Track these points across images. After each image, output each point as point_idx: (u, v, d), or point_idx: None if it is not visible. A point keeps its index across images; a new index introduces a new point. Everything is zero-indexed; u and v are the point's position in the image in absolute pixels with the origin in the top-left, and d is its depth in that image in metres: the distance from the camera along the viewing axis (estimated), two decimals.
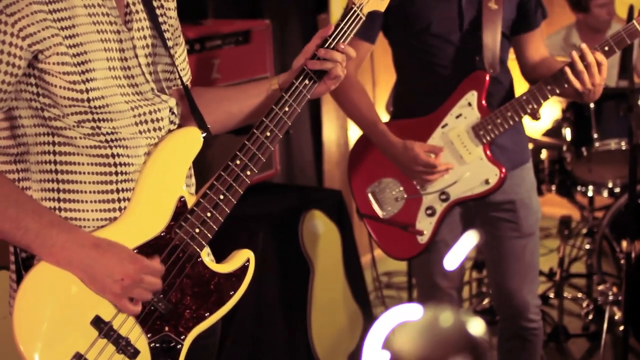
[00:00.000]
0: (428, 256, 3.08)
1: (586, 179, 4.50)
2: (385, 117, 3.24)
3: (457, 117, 2.98)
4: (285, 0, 4.19)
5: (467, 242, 3.09)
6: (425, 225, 3.01)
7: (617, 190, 4.46)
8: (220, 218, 1.93)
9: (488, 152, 2.97)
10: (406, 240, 3.04)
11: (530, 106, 2.92)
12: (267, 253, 3.18)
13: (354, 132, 4.89)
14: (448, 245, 3.10)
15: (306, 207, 3.42)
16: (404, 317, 1.34)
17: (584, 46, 2.83)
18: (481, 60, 2.97)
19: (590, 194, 4.57)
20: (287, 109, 2.00)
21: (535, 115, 3.01)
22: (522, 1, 3.04)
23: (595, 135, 4.25)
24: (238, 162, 1.96)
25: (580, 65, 2.80)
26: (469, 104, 2.96)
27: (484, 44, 2.95)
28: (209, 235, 1.92)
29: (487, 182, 2.98)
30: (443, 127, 2.99)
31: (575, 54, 2.81)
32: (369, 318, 3.68)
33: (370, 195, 3.09)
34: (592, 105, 4.27)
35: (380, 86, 5.01)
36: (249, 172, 1.97)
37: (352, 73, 2.99)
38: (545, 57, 3.13)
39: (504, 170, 2.97)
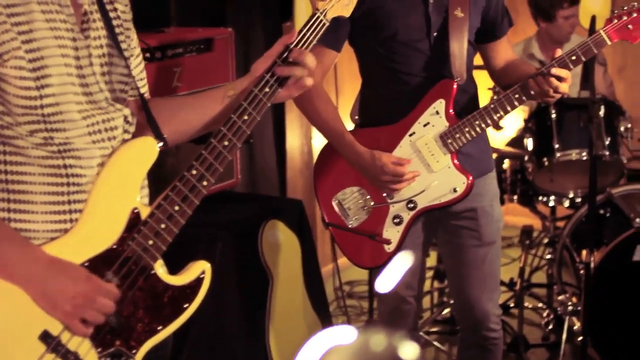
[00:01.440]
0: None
1: (547, 189, 4.53)
2: (349, 125, 3.23)
3: (425, 125, 2.98)
4: (250, 8, 4.17)
5: (401, 264, 3.09)
6: (392, 234, 3.00)
7: (578, 200, 4.50)
8: (175, 229, 1.90)
9: (455, 161, 2.97)
10: (373, 249, 3.04)
11: (497, 114, 2.93)
12: (226, 263, 3.16)
13: (318, 140, 4.88)
14: (411, 254, 3.11)
15: (266, 216, 3.40)
16: (336, 340, 1.33)
17: (559, 52, 2.87)
18: (448, 69, 2.97)
19: (551, 204, 4.61)
20: (246, 117, 1.97)
21: (497, 125, 3.03)
22: (488, 11, 3.06)
23: (557, 146, 4.28)
24: (194, 172, 1.93)
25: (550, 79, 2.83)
26: (437, 112, 2.96)
27: (451, 52, 2.95)
28: (163, 247, 1.89)
29: (454, 190, 2.98)
30: (411, 135, 2.98)
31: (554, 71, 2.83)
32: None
33: (336, 204, 3.08)
34: (553, 115, 4.30)
35: (344, 94, 5.00)
36: (205, 183, 1.94)
37: (318, 81, 2.97)
38: (512, 62, 3.16)
39: (471, 178, 2.97)
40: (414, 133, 2.98)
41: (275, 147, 4.47)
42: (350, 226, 3.05)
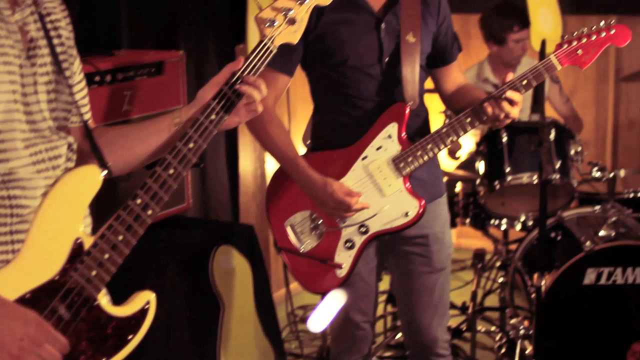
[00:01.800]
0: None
1: (499, 212, 4.55)
2: (302, 149, 3.22)
3: (378, 149, 2.98)
4: (202, 30, 4.15)
5: (334, 303, 3.09)
6: (344, 258, 2.99)
7: (530, 223, 4.52)
8: (119, 260, 1.87)
9: (408, 185, 2.98)
10: (325, 274, 3.02)
11: (450, 139, 2.94)
12: (176, 289, 3.13)
13: (271, 164, 4.86)
14: (363, 279, 3.10)
15: (217, 242, 3.37)
16: None
17: (510, 76, 2.89)
18: (401, 93, 2.98)
19: (503, 227, 4.62)
20: (192, 145, 1.96)
21: (454, 155, 3.04)
22: (438, 37, 3.08)
23: (508, 169, 4.30)
24: (139, 201, 1.90)
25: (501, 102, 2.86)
26: (390, 136, 2.97)
27: (403, 77, 2.97)
28: (107, 277, 1.86)
29: (406, 214, 2.98)
30: (363, 159, 2.98)
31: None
32: (280, 354, 3.65)
33: (288, 229, 3.06)
34: (504, 139, 4.33)
35: (296, 117, 5.00)
36: (150, 212, 1.91)
37: (270, 106, 2.97)
38: (462, 86, 3.18)
39: (423, 202, 2.98)
40: (366, 157, 2.98)
41: (228, 171, 4.44)
42: (302, 250, 3.04)
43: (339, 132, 3.04)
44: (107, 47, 3.35)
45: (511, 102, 2.85)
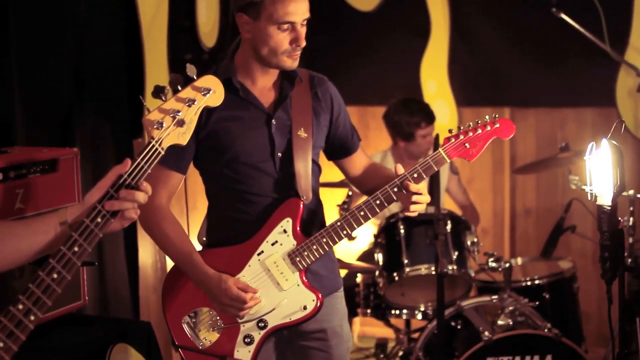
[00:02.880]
0: None
1: (399, 303, 4.59)
2: (198, 246, 3.21)
3: (273, 244, 2.99)
4: (99, 125, 4.14)
5: None
6: (243, 354, 2.98)
7: (430, 313, 4.56)
8: None
9: (304, 278, 2.99)
10: None
11: (344, 232, 2.97)
12: None
13: None
14: None
15: (113, 340, 3.31)
16: None
17: (400, 170, 2.96)
18: (294, 188, 3.01)
19: (404, 317, 4.65)
20: (76, 249, 1.94)
21: (350, 236, 3.06)
22: (336, 132, 3.14)
23: (406, 261, 4.36)
24: (21, 306, 1.87)
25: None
26: (285, 231, 2.99)
27: (296, 172, 3.00)
28: None
29: (304, 308, 2.99)
30: (259, 254, 2.99)
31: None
32: None
33: (185, 326, 3.03)
34: (402, 231, 4.39)
35: (196, 210, 4.96)
36: (32, 317, 1.88)
37: (164, 204, 2.99)
38: (369, 167, 3.24)
39: (320, 295, 2.99)
40: (262, 252, 2.99)
41: (127, 265, 4.38)
42: (200, 347, 3.01)
43: (235, 229, 3.05)
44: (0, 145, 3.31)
45: (413, 193, 2.93)
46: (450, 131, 3.05)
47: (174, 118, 2.12)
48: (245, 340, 2.99)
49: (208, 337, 3.02)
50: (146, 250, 4.72)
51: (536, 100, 5.64)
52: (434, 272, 4.22)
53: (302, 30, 2.93)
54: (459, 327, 4.33)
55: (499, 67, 5.73)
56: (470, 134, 3.03)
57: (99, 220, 1.98)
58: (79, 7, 3.94)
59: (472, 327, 4.17)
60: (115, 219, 2.01)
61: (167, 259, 4.84)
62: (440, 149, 3.01)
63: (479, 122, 3.05)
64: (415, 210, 2.98)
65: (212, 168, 3.05)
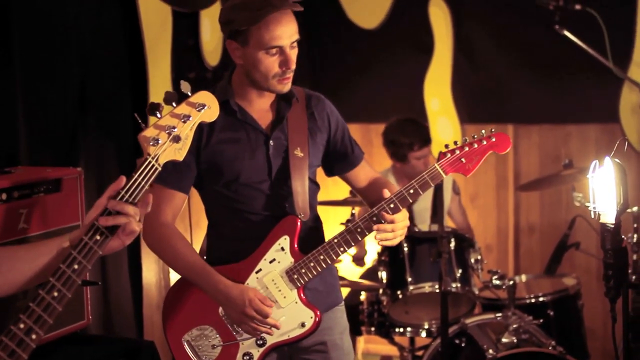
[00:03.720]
0: None
1: (403, 321, 4.58)
2: None
3: (271, 262, 3.01)
4: (102, 145, 4.15)
5: None
6: None
7: (434, 330, 4.55)
8: None
9: (302, 296, 3.00)
10: None
11: (341, 249, 2.99)
12: None
13: (175, 274, 4.81)
14: None
15: (117, 359, 3.31)
16: None
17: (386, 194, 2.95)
18: (292, 206, 3.03)
19: (408, 335, 4.64)
20: (76, 267, 1.94)
21: (360, 261, 3.07)
22: (335, 147, 3.17)
23: (410, 279, 4.35)
24: (22, 325, 1.87)
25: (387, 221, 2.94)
26: (282, 249, 3.00)
27: (293, 190, 3.03)
28: None
29: (303, 325, 3.00)
30: (257, 272, 3.01)
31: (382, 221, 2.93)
32: None
33: (186, 344, 3.04)
34: (405, 249, 4.39)
35: (197, 229, 4.96)
36: (34, 336, 1.88)
37: (170, 222, 3.02)
38: (374, 180, 3.25)
39: (318, 313, 3.01)
40: (260, 270, 3.01)
41: (131, 284, 4.38)
42: None
43: (234, 247, 3.07)
44: (4, 165, 3.32)
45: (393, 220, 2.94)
46: (446, 146, 3.05)
47: (170, 134, 2.12)
48: (244, 358, 3.00)
49: (207, 355, 3.03)
50: (150, 269, 4.72)
51: (539, 116, 5.64)
52: (437, 290, 4.21)
53: (292, 53, 2.95)
54: (463, 344, 4.32)
55: (502, 84, 5.74)
56: (467, 148, 3.03)
57: (97, 237, 1.98)
58: (83, 27, 3.96)
59: (476, 345, 4.16)
60: (115, 236, 2.01)
61: (171, 277, 4.85)
62: (436, 164, 3.02)
63: (475, 136, 3.05)
64: (382, 239, 2.97)
65: (211, 188, 3.08)
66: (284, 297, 3.00)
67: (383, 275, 4.48)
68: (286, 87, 2.98)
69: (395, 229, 2.96)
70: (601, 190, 2.86)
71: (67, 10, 3.86)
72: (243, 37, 2.92)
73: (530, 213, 5.90)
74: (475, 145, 3.04)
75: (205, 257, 3.22)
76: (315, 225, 3.15)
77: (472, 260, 4.42)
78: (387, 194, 2.98)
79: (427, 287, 4.35)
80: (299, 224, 3.03)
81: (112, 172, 4.17)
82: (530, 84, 5.66)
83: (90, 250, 1.96)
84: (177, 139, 2.13)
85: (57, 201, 3.26)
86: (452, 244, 4.36)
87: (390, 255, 4.48)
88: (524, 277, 5.05)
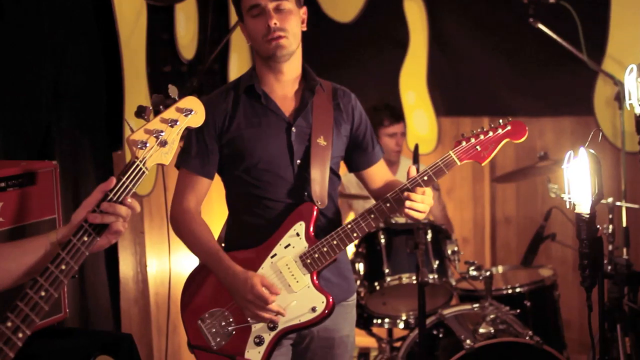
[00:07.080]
0: None
1: (381, 312, 4.59)
2: None
3: (286, 247, 3.05)
4: (78, 138, 4.13)
5: None
6: (253, 354, 3.03)
7: (412, 322, 4.57)
8: None
9: (315, 280, 3.03)
10: None
11: (355, 234, 3.01)
12: None
13: (153, 268, 4.81)
14: None
15: (94, 352, 3.29)
16: None
17: (412, 169, 2.98)
18: (309, 194, 3.05)
19: (386, 326, 4.66)
20: (63, 267, 1.96)
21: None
22: (356, 139, 3.20)
23: (387, 270, 4.36)
24: (9, 324, 1.88)
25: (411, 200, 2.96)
26: (297, 234, 3.04)
27: (311, 178, 3.06)
28: None
29: (314, 309, 3.03)
30: (272, 257, 3.05)
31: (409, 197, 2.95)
32: None
33: (202, 325, 3.10)
34: (382, 240, 4.40)
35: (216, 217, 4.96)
36: (21, 335, 1.89)
37: (192, 208, 3.09)
38: (389, 182, 3.28)
39: (331, 298, 3.03)
40: (275, 255, 3.05)
41: (108, 277, 4.37)
42: (214, 348, 3.07)
43: (251, 233, 3.12)
44: None
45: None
46: (462, 135, 3.06)
47: (158, 138, 2.16)
48: (255, 340, 3.04)
49: (220, 337, 3.07)
50: (127, 263, 4.71)
51: (515, 109, 5.66)
52: (415, 281, 4.23)
53: (281, 16, 3.01)
54: (440, 335, 4.34)
55: (477, 77, 5.77)
56: (482, 137, 3.06)
57: (85, 238, 2.01)
58: (57, 20, 3.94)
59: (454, 335, 4.18)
60: (101, 236, 2.03)
61: (148, 271, 4.85)
62: (450, 152, 3.03)
63: (492, 125, 3.07)
64: (410, 215, 2.98)
65: (232, 173, 3.13)
66: (297, 282, 3.03)
67: (360, 267, 4.50)
68: (278, 47, 3.03)
69: (424, 201, 2.96)
70: (576, 180, 2.87)
71: (40, 2, 3.83)
72: (239, 13, 3.06)
73: (506, 205, 5.93)
74: (491, 134, 3.05)
75: (224, 243, 3.27)
76: (334, 216, 3.19)
77: (449, 252, 4.44)
78: (413, 171, 2.99)
79: (404, 278, 4.36)
80: (315, 210, 3.06)
81: (87, 165, 4.15)
82: (505, 77, 5.69)
83: (77, 251, 2.00)
84: (164, 143, 2.18)
85: (32, 195, 3.24)
86: (429, 236, 4.38)
87: (367, 247, 4.50)
88: (500, 269, 5.08)
